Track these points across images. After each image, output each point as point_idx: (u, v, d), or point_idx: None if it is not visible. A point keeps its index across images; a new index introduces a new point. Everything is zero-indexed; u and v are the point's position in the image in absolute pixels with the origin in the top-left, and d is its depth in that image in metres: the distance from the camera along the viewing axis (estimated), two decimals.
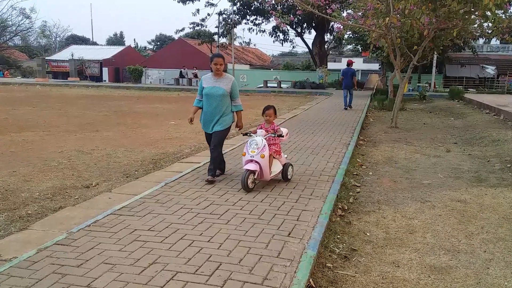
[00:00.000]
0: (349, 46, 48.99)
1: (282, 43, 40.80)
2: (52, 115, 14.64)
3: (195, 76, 38.69)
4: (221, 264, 3.50)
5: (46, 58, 50.55)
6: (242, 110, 6.38)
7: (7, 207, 5.17)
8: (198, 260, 3.58)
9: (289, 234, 4.18)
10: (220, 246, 3.88)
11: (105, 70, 46.73)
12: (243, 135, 6.09)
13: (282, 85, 35.04)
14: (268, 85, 35.44)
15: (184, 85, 37.05)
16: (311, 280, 3.38)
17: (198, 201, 5.19)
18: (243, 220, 4.54)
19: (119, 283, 3.19)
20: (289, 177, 6.08)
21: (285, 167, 6.03)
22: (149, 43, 79.34)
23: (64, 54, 51.34)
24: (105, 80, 45.13)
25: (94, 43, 69.04)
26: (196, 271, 3.39)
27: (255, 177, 5.57)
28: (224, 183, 6.04)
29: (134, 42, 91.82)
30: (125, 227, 4.34)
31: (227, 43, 40.21)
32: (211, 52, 40.18)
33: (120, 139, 10.27)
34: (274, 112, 6.02)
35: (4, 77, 47.73)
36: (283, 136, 5.89)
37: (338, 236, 4.48)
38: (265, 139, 5.68)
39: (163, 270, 3.40)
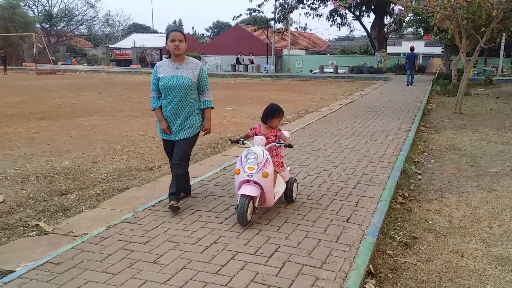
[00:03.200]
0: (409, 29, 47.19)
1: (339, 27, 40.02)
2: (116, 101, 15.30)
3: (251, 62, 38.83)
4: (279, 247, 3.55)
5: (110, 46, 52.70)
6: (212, 108, 4.67)
7: (77, 186, 5.50)
8: (257, 241, 3.65)
9: (347, 219, 4.15)
10: (279, 229, 3.92)
11: (164, 57, 48.00)
12: (232, 143, 4.59)
13: (338, 70, 34.40)
14: (324, 70, 34.91)
15: (240, 71, 37.32)
16: (370, 266, 3.35)
17: None
18: (301, 205, 4.55)
19: (183, 260, 3.32)
20: (294, 197, 4.60)
21: (290, 184, 4.49)
22: (207, 30, 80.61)
23: (126, 42, 53.32)
24: None
25: (155, 31, 71.10)
26: (255, 252, 3.46)
27: (256, 205, 4.00)
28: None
29: (192, 29, 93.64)
30: (187, 207, 4.49)
31: (283, 28, 39.91)
32: (267, 38, 40.12)
33: None
34: (281, 118, 4.36)
35: (71, 65, 50.40)
36: (292, 146, 4.33)
37: (399, 224, 4.38)
38: (267, 149, 4.12)
39: (224, 250, 3.50)
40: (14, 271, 3.24)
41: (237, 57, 40.80)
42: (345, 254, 3.42)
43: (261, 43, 42.52)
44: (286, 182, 4.46)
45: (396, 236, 4.07)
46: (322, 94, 18.17)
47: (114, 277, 3.09)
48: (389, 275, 3.35)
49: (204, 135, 4.73)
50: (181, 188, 4.55)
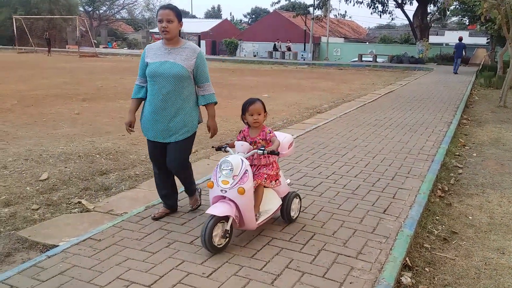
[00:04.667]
0: (454, 18, 45.54)
1: (380, 15, 39.03)
2: None
3: (289, 49, 38.53)
4: (315, 235, 3.55)
5: (150, 30, 53.45)
6: (215, 103, 3.86)
7: (117, 167, 5.66)
8: (292, 228, 3.66)
9: (384, 211, 4.09)
10: (314, 217, 3.92)
11: (202, 43, 48.27)
12: (216, 150, 3.64)
13: (377, 59, 33.64)
14: (363, 59, 34.23)
15: (277, 58, 37.10)
16: (407, 259, 3.30)
17: (291, 172, 5.26)
18: (336, 194, 4.52)
19: None
20: (292, 215, 3.74)
21: (287, 200, 3.67)
22: (245, 16, 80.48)
23: None
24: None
25: (193, 17, 71.57)
26: (290, 238, 3.47)
27: (227, 227, 3.19)
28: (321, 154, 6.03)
29: (230, 15, 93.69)
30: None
31: (322, 15, 39.28)
32: (305, 24, 39.65)
33: (216, 109, 10.61)
34: (264, 109, 3.50)
35: (112, 48, 51.50)
36: (278, 154, 3.36)
37: (437, 218, 4.29)
38: (249, 158, 3.40)
39: (259, 235, 3.52)
40: (58, 246, 3.39)
41: (275, 44, 40.57)
42: (381, 246, 3.38)
43: (299, 30, 42.11)
44: (283, 198, 3.66)
45: (434, 230, 3.99)
46: (360, 84, 17.86)
47: (152, 256, 3.18)
48: (426, 269, 3.29)
49: (210, 137, 3.98)
50: (188, 185, 3.98)
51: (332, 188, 4.69)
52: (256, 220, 3.34)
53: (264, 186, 3.45)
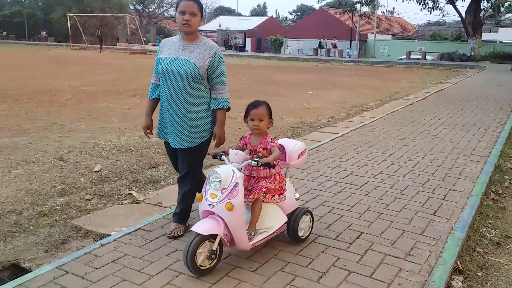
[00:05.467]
0: (508, 15, 43.39)
1: (430, 11, 37.59)
2: None
3: (334, 46, 38.06)
4: (361, 234, 3.50)
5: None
6: (227, 109, 3.37)
7: (166, 161, 5.77)
8: (338, 227, 3.63)
9: (434, 212, 3.98)
10: (360, 216, 3.86)
11: (248, 40, 48.59)
12: (213, 158, 3.12)
13: (427, 57, 32.64)
14: (411, 56, 33.28)
15: (322, 55, 36.76)
16: (458, 262, 3.19)
17: (337, 170, 5.20)
18: (384, 193, 4.44)
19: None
20: (301, 235, 3.29)
21: (295, 217, 3.23)
22: (290, 13, 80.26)
23: (212, 25, 54.62)
24: (247, 50, 46.97)
25: (239, 14, 72.13)
26: (336, 237, 3.44)
27: (214, 248, 2.81)
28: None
29: (276, 12, 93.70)
30: None
31: (369, 12, 38.54)
32: (352, 21, 39.02)
33: None
34: (269, 115, 3.11)
35: None
36: (274, 167, 2.94)
37: (490, 221, 4.12)
38: (247, 169, 3.07)
39: None
40: (110, 235, 3.52)
41: (320, 41, 40.18)
42: (431, 248, 3.29)
43: (345, 27, 41.51)
44: (289, 215, 3.24)
45: (487, 234, 3.83)
46: (408, 82, 17.39)
47: None
48: (478, 273, 3.18)
49: (215, 146, 3.41)
50: (185, 208, 3.53)
51: (380, 188, 4.60)
52: (251, 239, 2.93)
53: (264, 201, 3.03)
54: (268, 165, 2.86)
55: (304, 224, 3.30)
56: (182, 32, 3.29)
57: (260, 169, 3.03)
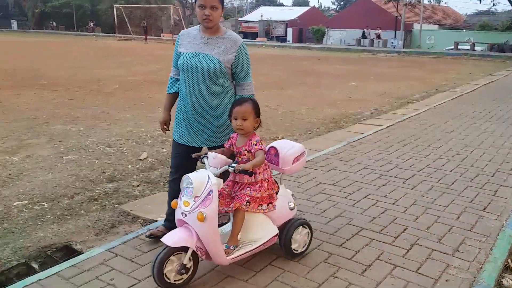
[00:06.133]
0: None
1: (480, 0, 36.04)
2: None
3: (378, 36, 37.19)
4: (407, 228, 3.44)
5: (239, 19, 54.45)
6: None
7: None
8: (383, 220, 3.58)
9: (484, 209, 3.84)
10: (406, 210, 3.79)
11: (289, 31, 48.20)
12: (195, 159, 2.86)
13: (475, 48, 31.30)
14: (459, 47, 32.02)
15: (365, 46, 36.01)
16: (509, 260, 3.08)
17: (381, 163, 5.12)
18: (430, 188, 4.33)
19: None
20: (295, 248, 2.94)
21: (287, 229, 2.90)
22: (333, 3, 78.95)
23: (254, 16, 54.56)
24: (289, 41, 46.66)
25: (281, 4, 71.77)
26: (381, 230, 3.40)
27: (185, 261, 2.55)
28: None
29: (318, 2, 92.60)
30: (311, 179, 4.55)
31: (415, 1, 37.29)
32: (397, 11, 37.92)
33: (302, 97, 10.62)
34: (255, 113, 2.73)
35: None
36: (251, 175, 2.59)
37: None
38: (219, 175, 2.63)
39: (348, 224, 3.49)
40: (157, 221, 3.62)
41: (363, 31, 39.37)
42: (480, 245, 3.19)
43: (390, 16, 40.40)
44: (281, 226, 2.89)
45: None
46: (455, 73, 16.79)
47: None
48: None
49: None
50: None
51: (426, 182, 4.49)
52: (229, 253, 2.62)
53: (248, 211, 2.69)
54: (245, 173, 2.52)
55: (299, 237, 2.93)
56: (205, 25, 3.01)
57: (243, 175, 2.67)
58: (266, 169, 2.79)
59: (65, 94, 10.01)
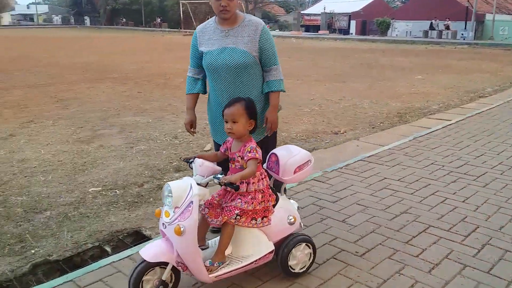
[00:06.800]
0: None
1: None
2: (304, 66, 15.78)
3: (447, 28, 35.44)
4: (478, 227, 3.29)
5: (301, 12, 54.05)
6: (282, 92, 3.00)
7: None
8: (452, 218, 3.44)
9: None
10: (477, 209, 3.62)
11: (352, 23, 47.13)
12: (184, 162, 2.63)
13: None
14: None
15: (432, 38, 34.46)
16: None
17: (450, 159, 4.92)
18: (504, 186, 4.11)
19: (371, 224, 3.35)
20: (292, 266, 2.62)
21: (284, 246, 2.59)
22: None
23: (316, 8, 53.85)
24: (351, 33, 45.65)
25: None
26: (450, 229, 3.28)
27: (164, 277, 2.35)
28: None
29: None
30: (375, 174, 4.47)
31: None
32: (468, 0, 35.92)
33: (365, 90, 10.39)
34: (247, 115, 2.47)
35: None
36: (237, 189, 2.33)
37: None
38: (204, 184, 2.37)
39: (414, 221, 3.40)
40: None
41: (431, 22, 37.66)
42: None
43: (460, 7, 38.33)
44: (278, 243, 2.59)
45: None
46: None
47: (306, 229, 3.28)
48: None
49: (266, 132, 3.00)
50: None
51: (499, 180, 4.26)
52: (213, 271, 2.38)
53: (238, 225, 2.44)
54: (231, 186, 2.28)
55: (300, 254, 2.63)
56: (220, 18, 2.87)
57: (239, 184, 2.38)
58: (262, 179, 2.49)
59: (134, 87, 10.49)
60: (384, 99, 9.26)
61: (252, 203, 2.42)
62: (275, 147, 3.05)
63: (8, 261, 3.00)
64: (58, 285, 2.66)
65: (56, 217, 3.67)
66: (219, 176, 2.33)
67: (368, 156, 5.07)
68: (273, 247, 2.54)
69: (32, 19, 76.88)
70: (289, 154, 2.67)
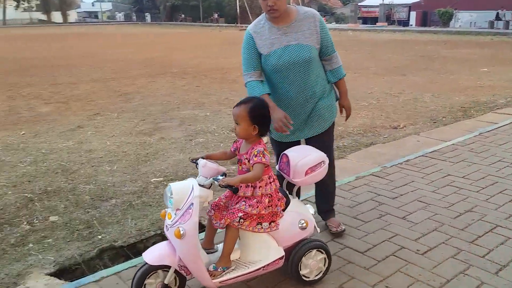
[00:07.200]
0: None
1: None
2: (362, 58, 15.44)
3: None
4: None
5: (359, 4, 52.82)
6: (344, 76, 2.98)
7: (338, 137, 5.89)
8: None
9: None
10: None
11: (412, 14, 45.46)
12: (191, 162, 2.48)
13: None
14: None
15: (499, 28, 32.53)
16: None
17: None
18: None
19: (434, 222, 3.25)
20: (305, 275, 2.52)
21: (295, 252, 2.48)
22: None
23: (374, 0, 52.46)
24: (411, 25, 44.07)
25: None
26: None
27: (166, 281, 2.31)
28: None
29: None
30: (437, 170, 4.32)
31: None
32: None
33: (426, 84, 10.01)
34: (250, 118, 2.33)
35: None
36: (236, 192, 2.29)
37: None
38: (208, 185, 2.27)
39: (480, 220, 3.26)
40: None
41: (497, 12, 35.56)
42: None
43: None
44: (288, 248, 2.48)
45: None
46: None
47: (364, 225, 3.26)
48: None
49: (346, 119, 3.14)
50: (329, 200, 3.22)
51: None
52: (216, 276, 2.29)
53: (241, 229, 2.33)
54: (230, 188, 2.20)
55: (312, 262, 2.51)
56: (271, 16, 2.75)
57: (240, 186, 2.32)
58: (270, 183, 2.37)
59: (193, 82, 10.75)
60: (446, 92, 8.89)
61: (257, 207, 2.31)
62: (332, 142, 3.03)
63: (77, 246, 3.19)
64: (123, 270, 2.79)
65: (121, 205, 3.86)
66: (219, 177, 2.24)
67: (430, 152, 4.91)
68: (283, 253, 2.43)
69: (96, 16, 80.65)
70: (300, 155, 2.55)
